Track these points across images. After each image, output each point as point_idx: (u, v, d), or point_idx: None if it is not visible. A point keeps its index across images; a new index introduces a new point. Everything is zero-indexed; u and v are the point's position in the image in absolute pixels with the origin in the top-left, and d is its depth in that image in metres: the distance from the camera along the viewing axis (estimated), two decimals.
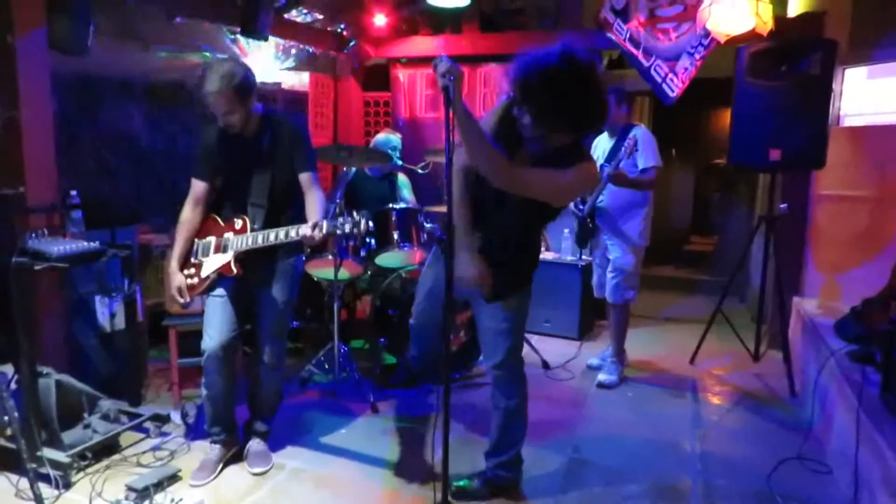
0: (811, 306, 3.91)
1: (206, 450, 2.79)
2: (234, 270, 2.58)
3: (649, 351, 4.38)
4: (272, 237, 2.50)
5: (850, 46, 3.77)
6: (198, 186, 2.70)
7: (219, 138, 2.64)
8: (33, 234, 2.69)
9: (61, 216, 3.07)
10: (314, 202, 2.58)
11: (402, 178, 4.35)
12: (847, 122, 3.91)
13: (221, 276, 2.63)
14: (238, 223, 2.62)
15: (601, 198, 3.71)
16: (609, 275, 3.79)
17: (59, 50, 3.06)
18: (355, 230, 2.37)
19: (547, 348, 4.25)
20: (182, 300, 2.65)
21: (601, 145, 3.84)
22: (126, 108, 4.13)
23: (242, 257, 2.59)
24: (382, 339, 3.79)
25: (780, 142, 3.52)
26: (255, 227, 2.59)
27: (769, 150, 3.56)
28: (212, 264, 2.63)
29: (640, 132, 3.60)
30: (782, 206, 4.07)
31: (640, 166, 3.58)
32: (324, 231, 2.37)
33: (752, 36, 3.57)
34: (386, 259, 3.72)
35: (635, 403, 3.57)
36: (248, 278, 2.65)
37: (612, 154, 3.65)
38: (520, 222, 2.26)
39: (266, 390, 2.81)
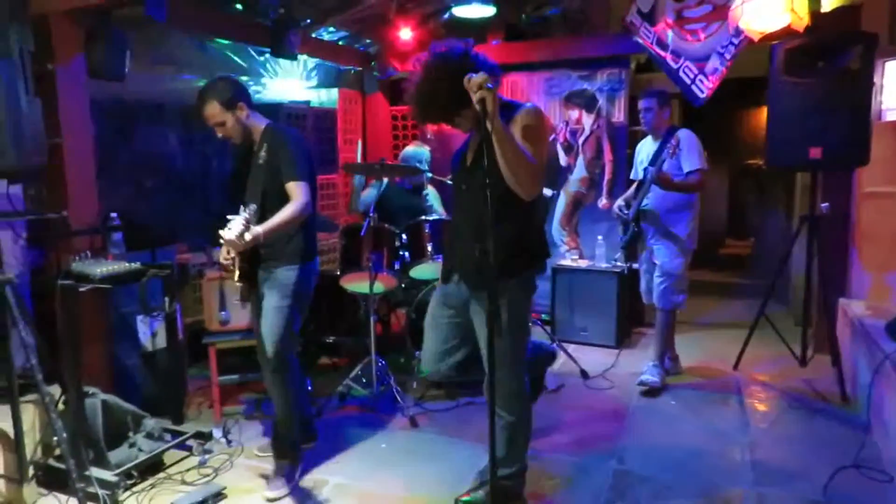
0: (859, 308, 3.78)
1: (248, 466, 2.80)
2: (234, 278, 2.65)
3: (690, 357, 4.27)
4: None
5: (890, 38, 3.66)
6: None
7: (240, 152, 2.78)
8: (77, 257, 2.75)
9: (103, 238, 3.13)
10: (281, 211, 2.53)
11: (431, 191, 4.35)
12: (890, 117, 3.78)
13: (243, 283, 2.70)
14: None
15: (646, 200, 3.70)
16: (657, 279, 3.74)
17: (98, 76, 3.14)
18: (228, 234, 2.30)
19: (584, 357, 4.18)
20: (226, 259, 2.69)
21: (645, 149, 3.85)
22: (162, 130, 4.21)
23: (239, 265, 2.64)
24: (418, 352, 3.77)
25: (820, 140, 3.42)
26: None
27: (809, 148, 3.47)
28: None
29: (685, 134, 3.60)
30: (823, 205, 3.96)
31: (685, 170, 3.58)
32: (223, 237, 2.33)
33: (787, 32, 3.49)
34: (420, 271, 3.71)
35: (679, 412, 3.48)
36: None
37: (657, 157, 3.66)
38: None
39: (273, 400, 2.76)
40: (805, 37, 3.54)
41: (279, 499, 2.62)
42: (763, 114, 3.78)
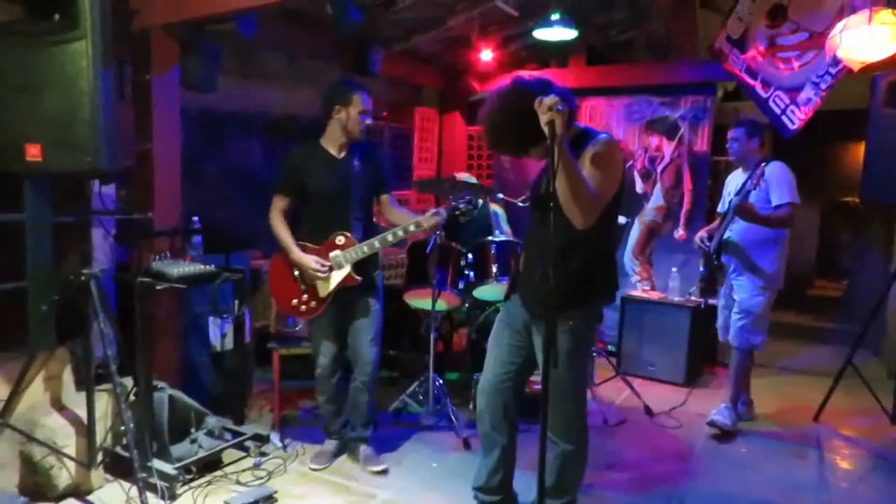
0: None
1: (301, 473, 2.84)
2: (357, 278, 2.83)
3: (767, 404, 4.00)
4: (390, 237, 2.77)
5: None
6: (282, 202, 2.99)
7: (308, 159, 2.91)
8: (158, 256, 2.89)
9: (183, 240, 3.29)
10: (403, 212, 2.97)
11: (498, 210, 4.31)
12: None
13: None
14: (340, 239, 2.83)
15: (728, 232, 3.52)
16: (735, 316, 3.54)
17: (190, 87, 3.32)
18: (471, 206, 2.71)
19: (650, 393, 4.01)
20: (322, 269, 2.82)
21: (734, 181, 3.69)
22: (242, 140, 4.41)
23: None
24: (477, 374, 3.72)
25: None
26: (358, 238, 2.84)
27: None
28: (332, 282, 2.82)
29: (775, 166, 3.41)
30: None
31: (774, 203, 3.38)
32: (444, 216, 2.72)
33: (891, 63, 3.26)
34: (484, 292, 3.68)
35: (750, 460, 3.26)
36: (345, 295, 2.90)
37: (743, 188, 3.48)
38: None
39: (362, 401, 3.00)
40: None
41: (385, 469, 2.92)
42: (861, 148, 3.54)
